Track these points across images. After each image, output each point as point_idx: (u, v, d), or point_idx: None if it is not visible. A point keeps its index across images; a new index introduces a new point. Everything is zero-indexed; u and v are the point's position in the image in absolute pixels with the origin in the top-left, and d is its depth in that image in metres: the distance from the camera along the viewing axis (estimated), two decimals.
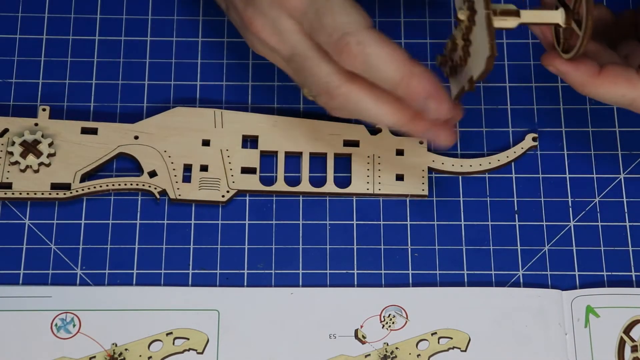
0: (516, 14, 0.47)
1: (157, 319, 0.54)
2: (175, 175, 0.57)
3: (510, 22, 0.47)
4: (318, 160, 0.58)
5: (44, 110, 0.58)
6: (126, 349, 0.53)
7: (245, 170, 0.58)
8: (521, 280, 0.56)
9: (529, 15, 0.48)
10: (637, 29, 0.53)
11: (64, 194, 0.56)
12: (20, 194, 0.56)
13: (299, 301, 0.55)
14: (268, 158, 0.58)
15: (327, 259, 0.56)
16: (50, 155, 0.57)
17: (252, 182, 0.57)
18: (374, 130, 0.59)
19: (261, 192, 0.57)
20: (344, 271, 0.56)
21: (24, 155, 0.56)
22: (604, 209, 0.58)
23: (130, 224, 0.57)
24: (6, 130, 0.57)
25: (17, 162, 0.56)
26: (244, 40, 0.60)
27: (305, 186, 0.58)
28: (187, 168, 0.57)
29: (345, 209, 0.57)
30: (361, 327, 0.54)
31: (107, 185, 0.57)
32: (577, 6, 0.47)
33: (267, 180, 0.58)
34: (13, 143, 0.57)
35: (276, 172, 0.58)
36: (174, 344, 0.54)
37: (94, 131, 0.58)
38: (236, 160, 0.58)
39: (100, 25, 0.62)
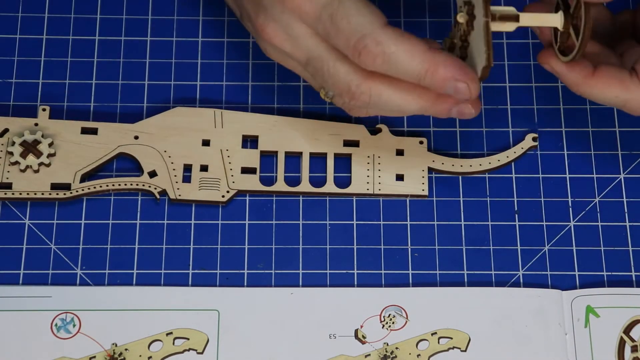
0: (515, 18, 0.47)
1: (157, 319, 0.54)
2: (175, 176, 0.57)
3: (509, 27, 0.47)
4: (318, 160, 0.58)
5: (44, 110, 0.58)
6: (126, 349, 0.53)
7: (245, 170, 0.58)
8: (521, 280, 0.56)
9: (528, 19, 0.48)
10: (635, 29, 0.53)
11: (64, 194, 0.56)
12: (20, 194, 0.56)
13: (299, 301, 0.55)
14: (268, 158, 0.58)
15: (327, 259, 0.56)
16: (50, 155, 0.57)
17: (252, 182, 0.57)
18: (374, 130, 0.59)
19: (261, 192, 0.57)
20: (344, 271, 0.56)
21: (24, 155, 0.56)
22: (604, 209, 0.58)
23: (130, 224, 0.57)
24: (6, 130, 0.57)
25: (17, 162, 0.56)
26: (244, 40, 0.60)
27: (305, 186, 0.57)
28: (187, 168, 0.57)
29: (345, 209, 0.57)
30: (361, 327, 0.54)
31: (107, 185, 0.57)
32: (577, 10, 0.47)
33: (267, 180, 0.58)
34: (13, 143, 0.57)
35: (276, 172, 0.58)
36: (174, 344, 0.54)
37: (94, 131, 0.58)
38: (236, 160, 0.58)
39: (100, 25, 0.62)
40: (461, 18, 0.48)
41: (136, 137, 0.58)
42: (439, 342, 0.54)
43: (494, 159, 0.58)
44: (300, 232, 0.57)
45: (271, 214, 0.57)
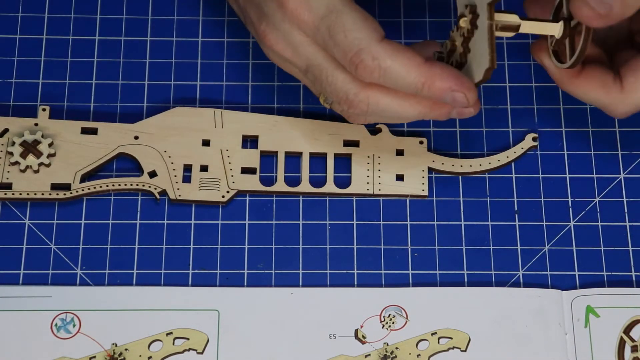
0: (516, 29, 0.47)
1: (157, 319, 0.54)
2: (175, 176, 0.57)
3: (509, 34, 0.48)
4: (318, 160, 0.58)
5: (44, 110, 0.58)
6: (126, 349, 0.53)
7: (245, 171, 0.58)
8: (521, 280, 0.56)
9: (528, 27, 0.48)
10: (630, 33, 0.53)
11: (64, 194, 0.56)
12: (20, 194, 0.56)
13: (299, 301, 0.55)
14: (268, 158, 0.59)
15: (327, 259, 0.56)
16: (50, 156, 0.57)
17: (252, 182, 0.57)
18: (374, 130, 0.59)
19: (261, 192, 0.57)
20: (344, 271, 0.56)
21: (24, 155, 0.56)
22: (604, 209, 0.58)
23: (130, 224, 0.57)
24: (6, 130, 0.57)
25: (17, 163, 0.56)
26: (244, 40, 0.61)
27: (305, 186, 0.58)
28: (187, 168, 0.57)
29: (345, 209, 0.57)
30: (361, 327, 0.54)
31: (107, 186, 0.57)
32: (579, 25, 0.48)
33: (267, 181, 0.58)
34: (13, 143, 0.57)
35: (276, 172, 0.58)
36: (174, 344, 0.54)
37: (94, 131, 0.58)
38: (236, 160, 0.58)
39: (100, 25, 0.62)
40: (464, 23, 0.48)
41: (136, 137, 0.58)
42: (439, 342, 0.54)
43: (494, 159, 0.58)
44: (300, 232, 0.57)
45: (271, 214, 0.57)
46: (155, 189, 0.57)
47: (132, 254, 0.56)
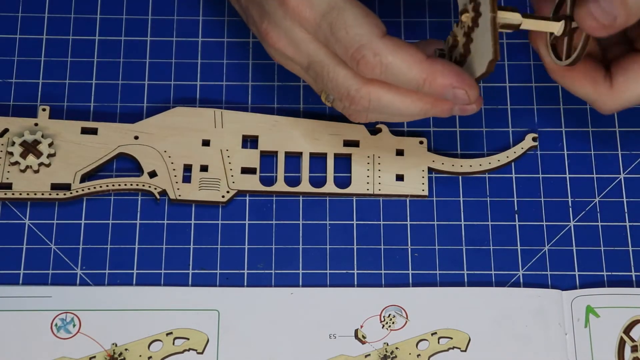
0: (517, 27, 0.47)
1: (157, 319, 0.54)
2: (175, 176, 0.57)
3: (511, 30, 0.48)
4: (318, 160, 0.58)
5: (44, 110, 0.58)
6: (126, 349, 0.53)
7: (245, 171, 0.58)
8: (521, 280, 0.56)
9: (529, 25, 0.48)
10: (625, 31, 0.53)
11: (64, 194, 0.56)
12: (20, 194, 0.56)
13: (299, 301, 0.55)
14: (268, 158, 0.59)
15: (327, 259, 0.56)
16: (50, 156, 0.57)
17: (252, 182, 0.57)
18: (374, 130, 0.59)
19: (261, 192, 0.57)
20: (344, 271, 0.56)
21: (24, 155, 0.56)
22: (604, 209, 0.58)
23: (130, 224, 0.57)
24: (6, 130, 0.57)
25: (17, 163, 0.56)
26: (244, 40, 0.61)
27: (305, 186, 0.58)
28: (187, 168, 0.57)
29: (345, 209, 0.57)
30: (361, 327, 0.54)
31: (107, 186, 0.57)
32: (579, 29, 0.48)
33: (267, 181, 0.58)
34: (13, 143, 0.57)
35: (276, 172, 0.58)
36: (174, 344, 0.54)
37: (94, 131, 0.58)
38: (236, 160, 0.58)
39: (100, 25, 0.62)
40: (465, 17, 0.48)
41: (136, 137, 0.58)
42: (439, 342, 0.54)
43: (494, 159, 0.58)
44: (300, 232, 0.57)
45: (271, 214, 0.57)
46: (155, 189, 0.57)
47: (132, 254, 0.56)
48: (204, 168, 0.57)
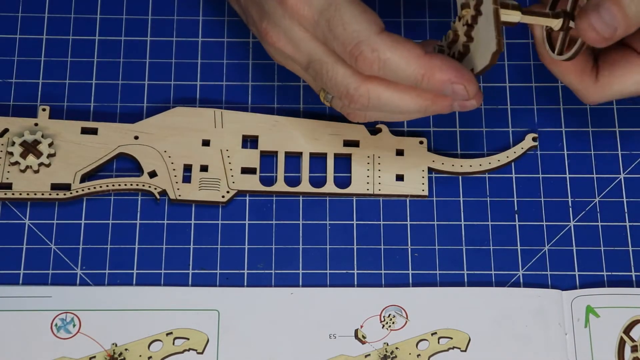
0: (515, 23, 0.47)
1: (157, 319, 0.54)
2: (175, 176, 0.57)
3: (510, 25, 0.48)
4: (318, 160, 0.58)
5: (44, 110, 0.58)
6: (126, 349, 0.53)
7: (245, 171, 0.58)
8: (521, 280, 0.56)
9: (528, 19, 0.48)
10: None
11: (64, 194, 0.56)
12: (20, 194, 0.56)
13: (299, 301, 0.55)
14: (268, 158, 0.59)
15: (327, 259, 0.56)
16: (50, 156, 0.57)
17: (252, 182, 0.57)
18: (374, 130, 0.59)
19: (261, 192, 0.57)
20: (344, 271, 0.56)
21: (24, 155, 0.56)
22: (604, 209, 0.58)
23: (130, 224, 0.57)
24: (6, 130, 0.57)
25: (17, 163, 0.56)
26: (244, 40, 0.61)
27: (305, 186, 0.57)
28: (187, 168, 0.57)
29: (345, 209, 0.57)
30: (361, 327, 0.54)
31: (107, 186, 0.57)
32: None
33: (267, 181, 0.58)
34: (13, 143, 0.57)
35: (276, 172, 0.58)
36: (174, 344, 0.54)
37: (94, 131, 0.58)
38: (236, 160, 0.58)
39: (100, 25, 0.62)
40: (467, 12, 0.48)
41: (136, 137, 0.58)
42: (439, 342, 0.54)
43: (494, 159, 0.58)
44: (300, 232, 0.57)
45: (271, 214, 0.57)
46: (155, 189, 0.57)
47: (132, 254, 0.56)
48: (204, 168, 0.57)
